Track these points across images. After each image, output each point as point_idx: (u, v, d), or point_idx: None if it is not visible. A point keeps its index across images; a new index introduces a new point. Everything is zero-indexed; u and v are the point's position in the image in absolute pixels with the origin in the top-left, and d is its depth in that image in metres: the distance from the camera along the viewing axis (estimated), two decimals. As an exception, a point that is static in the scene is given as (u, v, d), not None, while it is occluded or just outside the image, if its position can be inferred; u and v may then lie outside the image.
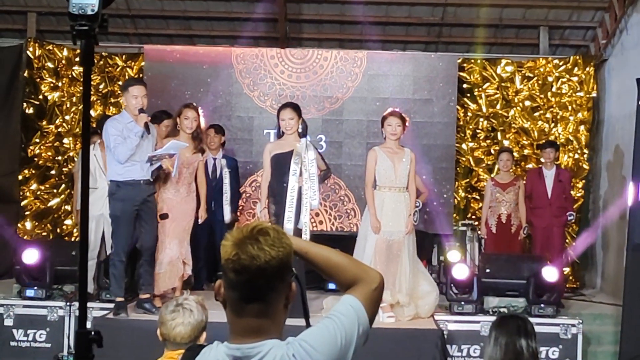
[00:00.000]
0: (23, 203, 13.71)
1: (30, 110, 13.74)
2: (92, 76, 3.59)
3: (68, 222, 13.97)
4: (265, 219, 9.66)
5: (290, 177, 9.63)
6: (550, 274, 10.29)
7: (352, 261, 3.09)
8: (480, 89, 14.23)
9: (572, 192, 12.97)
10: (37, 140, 13.81)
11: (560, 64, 14.05)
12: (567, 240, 13.16)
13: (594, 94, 13.92)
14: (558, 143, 13.10)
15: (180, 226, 10.14)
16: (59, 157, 14.05)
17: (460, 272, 10.32)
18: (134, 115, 9.41)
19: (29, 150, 13.74)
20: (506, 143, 13.97)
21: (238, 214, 12.71)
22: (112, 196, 9.55)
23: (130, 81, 10.57)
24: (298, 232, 9.55)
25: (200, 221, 10.48)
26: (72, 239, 13.45)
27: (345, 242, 10.81)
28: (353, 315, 2.89)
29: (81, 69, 13.10)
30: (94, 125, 11.45)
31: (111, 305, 9.73)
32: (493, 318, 9.59)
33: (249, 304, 2.75)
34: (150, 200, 9.64)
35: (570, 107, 14.00)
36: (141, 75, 13.80)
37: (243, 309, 2.76)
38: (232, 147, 13.29)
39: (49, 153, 13.97)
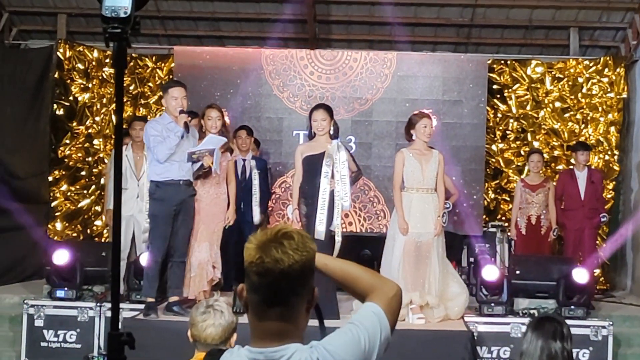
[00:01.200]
0: (53, 204, 13.75)
1: (61, 112, 13.79)
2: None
3: (98, 222, 14.00)
4: (297, 220, 9.67)
5: (322, 179, 9.61)
6: (580, 275, 10.25)
7: (369, 272, 3.08)
8: (510, 90, 14.20)
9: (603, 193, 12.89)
10: (67, 141, 13.87)
11: (591, 65, 13.98)
12: (597, 242, 13.08)
13: (624, 95, 13.85)
14: (589, 144, 13.02)
15: (209, 229, 10.12)
16: (89, 158, 14.10)
17: (490, 273, 10.30)
18: (174, 117, 9.47)
19: (59, 152, 13.79)
20: (536, 144, 13.92)
21: (268, 215, 12.71)
22: (151, 196, 9.64)
23: (170, 83, 10.63)
24: (330, 234, 9.56)
25: (227, 224, 10.44)
26: (102, 240, 13.52)
27: (374, 243, 10.77)
28: (375, 320, 2.88)
29: (111, 70, 13.25)
30: (125, 126, 11.48)
31: (141, 306, 9.75)
32: (523, 320, 9.61)
33: (271, 307, 2.74)
34: (189, 202, 9.68)
35: (600, 108, 13.92)
36: (171, 76, 13.84)
37: (265, 312, 2.75)
38: (262, 148, 13.29)
39: (79, 154, 14.02)
